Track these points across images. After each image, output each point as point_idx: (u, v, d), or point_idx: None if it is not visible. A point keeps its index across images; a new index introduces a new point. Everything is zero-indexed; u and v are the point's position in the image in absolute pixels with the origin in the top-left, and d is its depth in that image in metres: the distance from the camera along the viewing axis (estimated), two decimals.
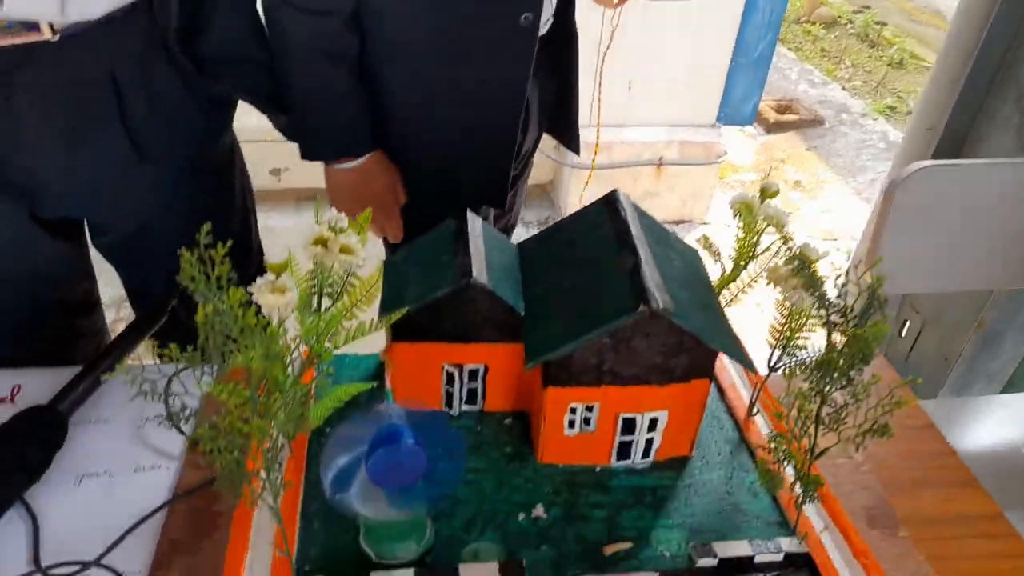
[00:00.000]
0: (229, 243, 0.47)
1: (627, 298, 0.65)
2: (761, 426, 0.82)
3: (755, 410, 0.82)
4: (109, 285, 1.15)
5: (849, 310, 0.55)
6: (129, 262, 1.06)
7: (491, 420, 0.81)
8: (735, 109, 3.26)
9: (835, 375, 0.57)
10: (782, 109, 4.21)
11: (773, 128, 4.10)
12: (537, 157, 1.31)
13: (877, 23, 5.52)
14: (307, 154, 1.07)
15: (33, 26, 0.76)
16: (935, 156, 1.74)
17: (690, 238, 1.82)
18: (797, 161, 3.86)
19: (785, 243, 0.57)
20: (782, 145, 3.99)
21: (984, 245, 1.30)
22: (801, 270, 0.56)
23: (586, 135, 1.92)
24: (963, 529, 0.79)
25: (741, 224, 0.73)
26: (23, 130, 0.83)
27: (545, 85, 1.14)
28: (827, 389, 0.62)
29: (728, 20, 2.76)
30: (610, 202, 0.75)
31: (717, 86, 2.93)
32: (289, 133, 1.07)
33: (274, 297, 0.54)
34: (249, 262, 1.16)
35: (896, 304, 1.85)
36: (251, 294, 0.51)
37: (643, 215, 0.76)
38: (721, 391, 0.86)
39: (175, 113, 0.92)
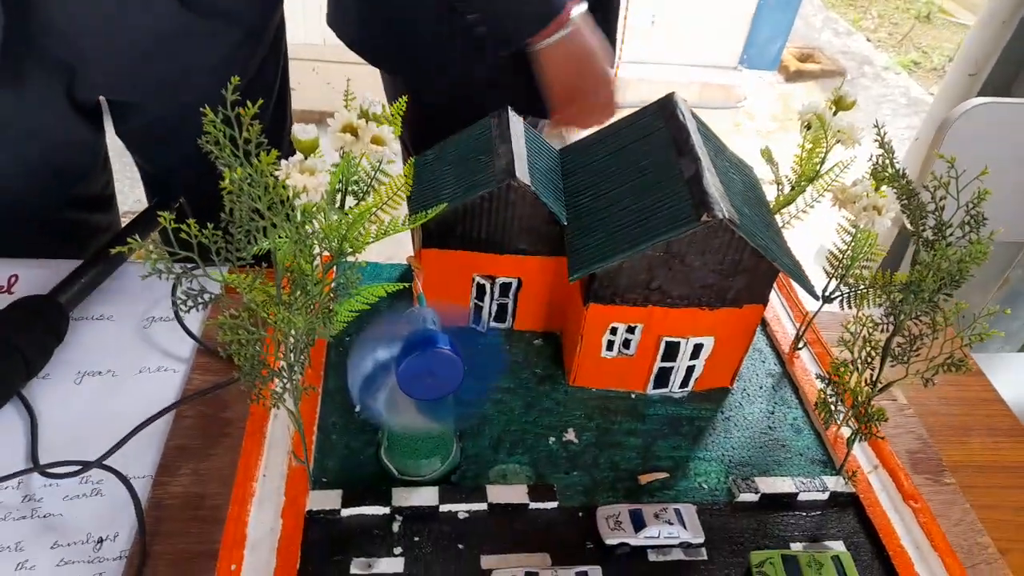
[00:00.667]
0: (260, 101, 0.41)
1: (687, 207, 0.59)
2: (807, 361, 0.77)
3: (801, 343, 0.77)
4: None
5: (947, 225, 0.49)
6: (156, 150, 0.99)
7: (520, 340, 0.76)
8: (759, 52, 3.15)
9: (918, 301, 0.52)
10: (804, 58, 4.08)
11: (793, 77, 3.97)
12: None
13: None
14: (512, 35, 0.87)
15: None
16: None
17: None
18: None
19: (882, 145, 0.51)
20: (801, 95, 3.87)
21: None
22: (896, 178, 0.50)
23: None
24: (1013, 479, 0.75)
25: (807, 137, 0.67)
26: None
27: None
28: (901, 318, 0.56)
29: None
30: (666, 106, 0.69)
31: (744, 24, 2.82)
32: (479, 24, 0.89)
33: (303, 177, 0.48)
34: (281, 151, 1.08)
35: None
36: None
37: (700, 122, 0.70)
38: (764, 322, 0.81)
39: None
